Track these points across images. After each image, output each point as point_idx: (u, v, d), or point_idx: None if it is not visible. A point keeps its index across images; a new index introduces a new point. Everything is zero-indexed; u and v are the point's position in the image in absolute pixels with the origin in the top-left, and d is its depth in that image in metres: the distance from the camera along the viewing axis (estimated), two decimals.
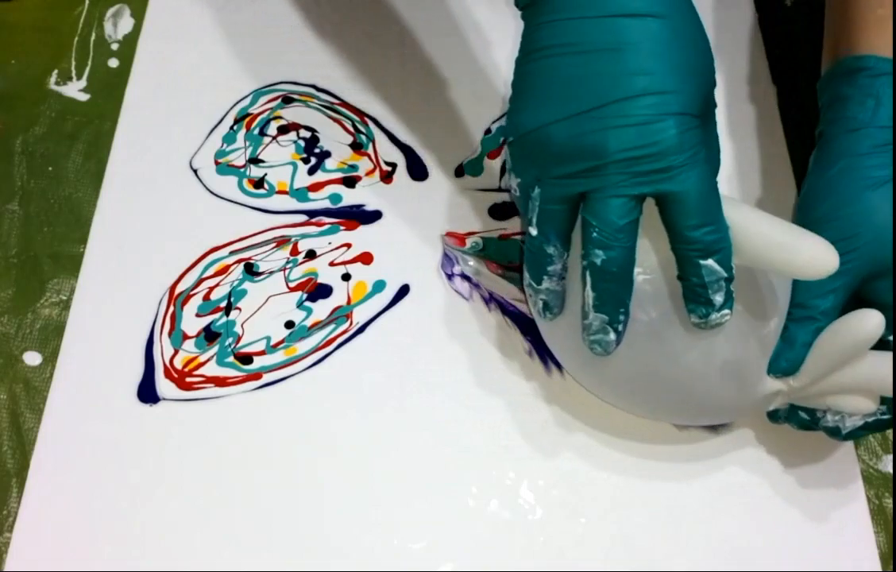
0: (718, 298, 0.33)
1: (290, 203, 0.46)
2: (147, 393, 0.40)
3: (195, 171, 0.47)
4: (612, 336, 0.34)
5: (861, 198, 0.38)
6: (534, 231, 0.35)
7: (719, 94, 0.50)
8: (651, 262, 0.35)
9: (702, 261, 0.33)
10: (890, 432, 0.41)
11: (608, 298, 0.34)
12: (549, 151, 0.33)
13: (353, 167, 0.47)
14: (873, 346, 0.35)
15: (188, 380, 0.41)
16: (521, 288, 0.43)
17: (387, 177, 0.47)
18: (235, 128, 0.48)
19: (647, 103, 0.31)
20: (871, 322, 0.35)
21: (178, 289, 0.43)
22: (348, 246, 0.45)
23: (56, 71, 0.50)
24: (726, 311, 0.34)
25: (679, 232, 0.33)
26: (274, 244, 0.45)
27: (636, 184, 0.32)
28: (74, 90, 0.50)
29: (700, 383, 0.36)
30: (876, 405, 0.36)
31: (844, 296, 0.37)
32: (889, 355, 0.36)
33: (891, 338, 0.37)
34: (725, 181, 0.47)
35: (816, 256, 0.33)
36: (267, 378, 0.41)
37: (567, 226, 0.35)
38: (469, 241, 0.44)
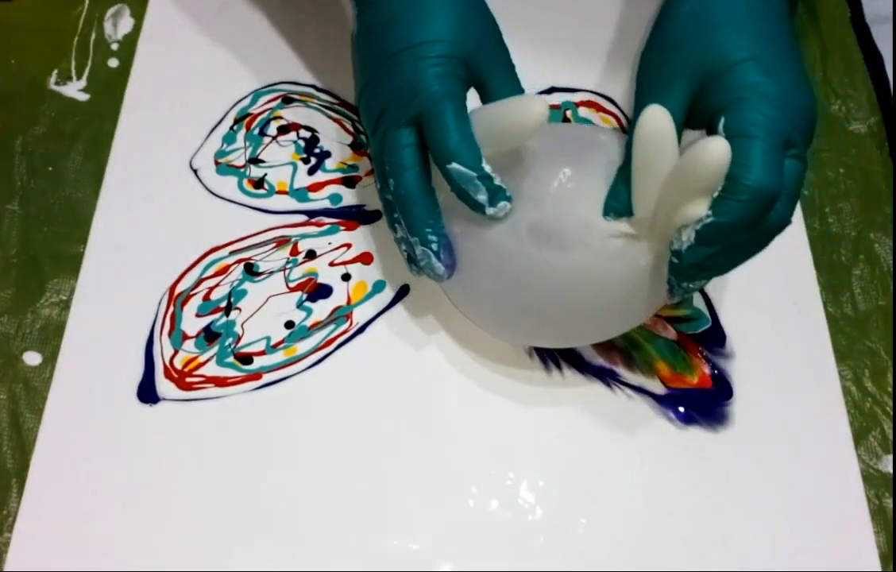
0: (481, 197, 0.36)
1: (290, 203, 0.46)
2: (147, 393, 0.40)
3: (195, 171, 0.47)
4: (434, 259, 0.38)
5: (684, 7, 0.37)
6: (379, 184, 0.40)
7: None
8: None
9: (448, 166, 0.36)
10: (890, 432, 0.42)
11: (412, 220, 0.38)
12: (363, 115, 0.40)
13: (353, 167, 0.47)
14: None
15: (188, 380, 0.41)
16: None
17: None
18: (235, 128, 0.48)
19: (410, 54, 0.37)
20: (714, 147, 0.32)
21: (178, 289, 0.43)
22: (348, 246, 0.45)
23: (56, 71, 0.50)
24: (501, 204, 0.36)
25: (430, 146, 0.37)
26: (274, 244, 0.45)
27: (402, 114, 0.37)
28: (74, 90, 0.50)
29: (531, 269, 0.37)
30: (706, 209, 0.33)
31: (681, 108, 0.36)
32: (708, 141, 0.33)
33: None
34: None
35: (523, 111, 0.36)
36: (267, 378, 0.41)
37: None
38: None
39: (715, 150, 0.32)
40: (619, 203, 0.36)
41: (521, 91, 0.40)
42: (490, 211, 0.36)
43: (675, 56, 0.37)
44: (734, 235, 0.34)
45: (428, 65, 0.37)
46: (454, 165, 0.36)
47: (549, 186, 0.37)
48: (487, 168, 0.36)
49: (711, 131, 0.35)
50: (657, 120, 0.34)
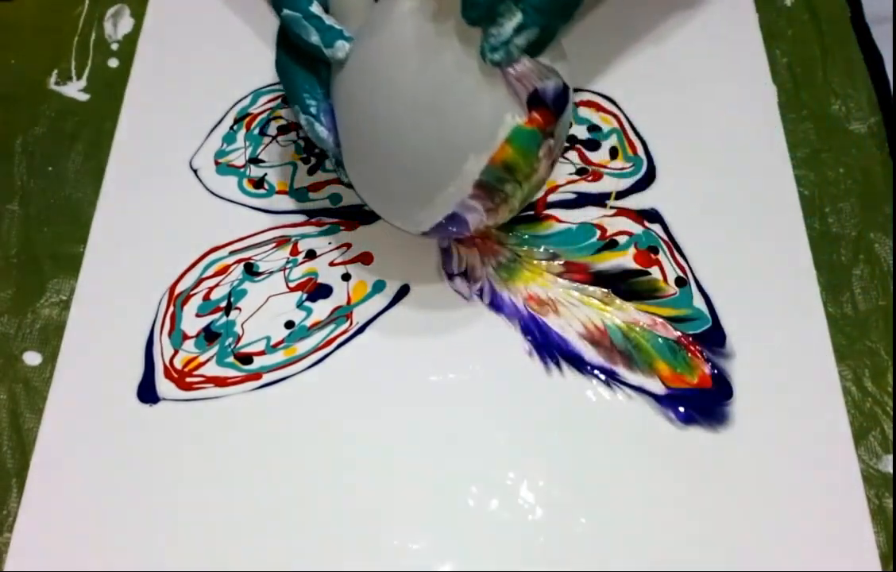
0: (314, 39, 0.37)
1: (290, 203, 0.46)
2: (147, 393, 0.40)
3: (195, 171, 0.47)
4: (318, 125, 0.39)
5: None
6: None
7: (719, 94, 0.50)
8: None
9: (282, 14, 0.38)
10: (890, 432, 0.41)
11: (290, 92, 0.39)
12: None
13: None
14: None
15: (188, 380, 0.41)
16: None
17: None
18: (235, 128, 0.48)
19: None
20: None
21: (178, 289, 0.43)
22: (348, 246, 0.45)
23: (56, 71, 0.50)
24: (339, 43, 0.37)
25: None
26: (274, 244, 0.45)
27: None
28: (74, 90, 0.50)
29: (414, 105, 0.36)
30: None
31: None
32: None
33: None
34: (724, 179, 0.47)
35: None
36: (267, 378, 0.41)
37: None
38: None
39: None
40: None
41: None
42: (328, 52, 0.37)
43: None
44: None
45: None
46: (285, 11, 0.37)
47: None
48: (315, 8, 0.37)
49: None
50: None
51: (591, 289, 0.44)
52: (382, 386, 0.41)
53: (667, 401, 0.41)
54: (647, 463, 0.40)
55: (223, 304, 0.43)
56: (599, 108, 0.49)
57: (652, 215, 0.46)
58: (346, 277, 0.44)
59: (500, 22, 0.34)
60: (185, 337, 0.42)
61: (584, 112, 0.49)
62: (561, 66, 0.37)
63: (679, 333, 0.43)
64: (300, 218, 0.46)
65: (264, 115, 0.49)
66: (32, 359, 0.42)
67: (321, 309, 0.43)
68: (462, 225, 0.39)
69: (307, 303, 0.43)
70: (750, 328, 0.43)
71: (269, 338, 0.42)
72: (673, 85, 0.50)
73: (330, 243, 0.45)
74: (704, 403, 0.41)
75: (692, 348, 0.43)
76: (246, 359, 0.41)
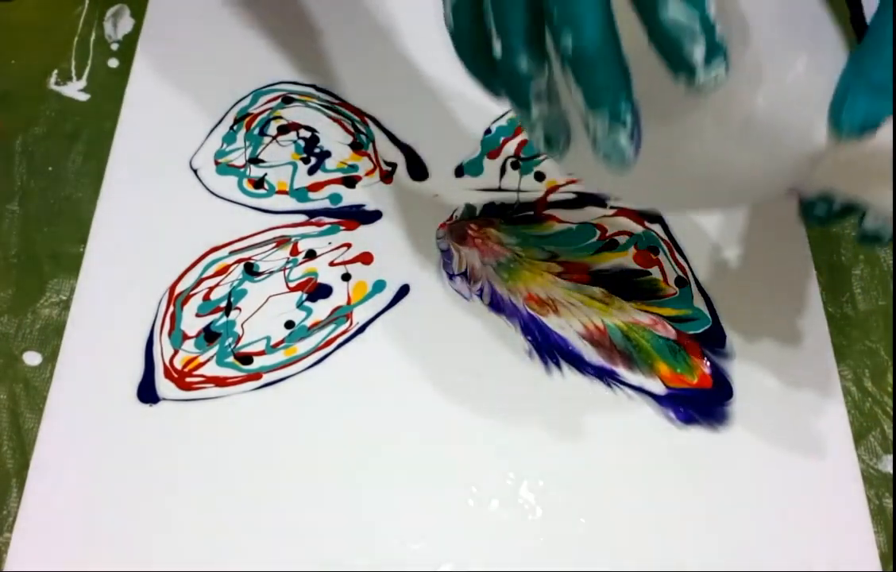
0: (698, 54, 0.26)
1: (290, 203, 0.46)
2: (147, 393, 0.40)
3: (195, 171, 0.47)
4: (623, 139, 0.27)
5: None
6: (498, 47, 0.28)
7: None
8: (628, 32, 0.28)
9: (662, 9, 0.26)
10: (890, 432, 0.41)
11: (599, 88, 0.27)
12: None
13: (353, 167, 0.47)
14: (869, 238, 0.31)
15: (188, 380, 0.41)
16: (505, 242, 0.42)
17: (387, 177, 0.47)
18: (235, 128, 0.48)
19: None
20: None
21: (178, 289, 0.43)
22: (348, 246, 0.45)
23: (56, 71, 0.50)
24: (717, 66, 0.26)
25: None
26: (274, 244, 0.45)
27: None
28: (74, 90, 0.50)
29: (720, 159, 0.30)
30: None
31: None
32: None
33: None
34: None
35: None
36: (267, 378, 0.41)
37: (532, 23, 0.28)
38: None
39: None
40: (868, 117, 0.28)
41: None
42: (701, 78, 0.26)
43: None
44: None
45: None
46: (671, 7, 0.25)
47: (780, 76, 0.29)
48: (712, 9, 0.25)
49: None
50: None
51: (591, 289, 0.44)
52: (382, 386, 0.41)
53: (667, 401, 0.41)
54: (647, 464, 0.40)
55: (223, 304, 0.43)
56: None
57: (652, 215, 0.46)
58: (346, 277, 0.44)
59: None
60: (185, 337, 0.42)
61: None
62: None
63: (679, 333, 0.43)
64: (300, 218, 0.46)
65: (264, 115, 0.49)
66: (32, 359, 0.42)
67: (321, 309, 0.43)
68: None
69: (307, 303, 0.43)
70: (750, 328, 0.43)
71: (269, 338, 0.42)
72: None
73: (330, 243, 0.45)
74: (704, 403, 0.41)
75: (692, 348, 0.43)
76: (246, 359, 0.41)
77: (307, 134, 0.48)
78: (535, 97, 0.29)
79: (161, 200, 0.46)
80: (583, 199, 0.46)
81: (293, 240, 0.45)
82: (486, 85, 0.31)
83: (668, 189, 0.33)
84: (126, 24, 0.52)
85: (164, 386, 0.41)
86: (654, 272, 0.44)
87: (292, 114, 0.49)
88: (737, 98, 0.29)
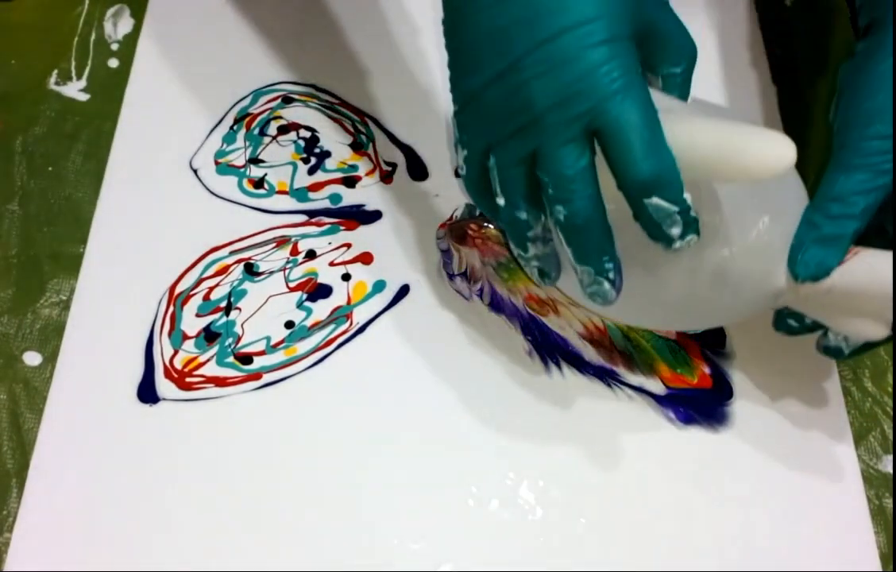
0: (675, 231, 0.31)
1: (290, 203, 0.46)
2: (147, 393, 0.40)
3: (195, 171, 0.47)
4: (607, 285, 0.33)
5: None
6: (501, 201, 0.33)
7: (719, 94, 0.50)
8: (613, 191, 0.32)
9: (646, 201, 0.30)
10: (890, 432, 0.42)
11: (586, 251, 0.32)
12: (490, 115, 0.32)
13: (353, 167, 0.47)
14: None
15: (188, 380, 0.41)
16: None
17: (387, 177, 0.47)
18: (235, 128, 0.48)
19: (566, 41, 0.30)
20: None
21: (178, 289, 0.43)
22: (348, 246, 0.45)
23: (56, 71, 0.50)
24: (690, 237, 0.31)
25: (618, 170, 0.31)
26: (274, 244, 0.45)
27: (572, 127, 0.30)
28: (74, 90, 0.50)
29: (694, 297, 0.35)
30: (887, 332, 0.33)
31: (885, 195, 0.34)
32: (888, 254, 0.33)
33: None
34: None
35: (767, 152, 0.30)
36: (267, 378, 0.41)
37: (530, 187, 0.33)
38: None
39: None
40: (819, 270, 0.33)
41: (693, 53, 0.35)
42: (677, 245, 0.31)
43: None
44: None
45: (595, 55, 0.29)
46: (655, 200, 0.30)
47: (744, 232, 0.34)
48: (688, 198, 0.30)
49: None
50: None
51: None
52: (382, 386, 0.41)
53: (667, 401, 0.41)
54: (647, 463, 0.40)
55: (223, 304, 0.43)
56: None
57: None
58: (346, 277, 0.44)
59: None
60: (185, 337, 0.42)
61: None
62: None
63: (679, 333, 0.43)
64: (300, 218, 0.46)
65: (264, 115, 0.49)
66: (32, 359, 0.42)
67: (321, 309, 0.43)
68: None
69: (307, 303, 0.43)
70: (750, 328, 0.43)
71: (269, 338, 0.42)
72: None
73: (330, 243, 0.45)
74: (704, 403, 0.41)
75: (692, 348, 0.43)
76: (246, 359, 0.41)
77: (307, 134, 0.48)
78: (532, 240, 0.34)
79: (161, 200, 0.46)
80: None
81: (293, 240, 0.45)
82: (492, 216, 0.36)
83: (648, 316, 0.39)
84: (126, 24, 0.52)
85: (164, 386, 0.41)
86: None
87: (292, 114, 0.49)
88: (707, 252, 0.34)
